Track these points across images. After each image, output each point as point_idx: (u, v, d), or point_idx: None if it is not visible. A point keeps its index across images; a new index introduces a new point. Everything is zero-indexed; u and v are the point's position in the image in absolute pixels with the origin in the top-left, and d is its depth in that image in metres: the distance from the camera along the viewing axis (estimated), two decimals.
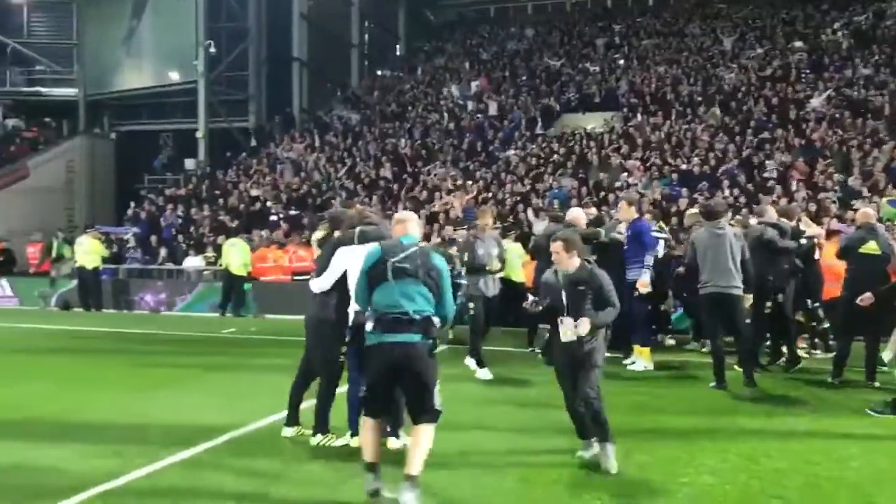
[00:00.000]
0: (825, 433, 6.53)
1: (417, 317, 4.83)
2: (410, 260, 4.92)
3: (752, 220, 9.77)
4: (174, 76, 30.98)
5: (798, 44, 24.92)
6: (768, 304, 9.09)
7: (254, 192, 22.62)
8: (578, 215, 9.82)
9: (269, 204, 21.53)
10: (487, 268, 9.25)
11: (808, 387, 8.39)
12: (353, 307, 5.60)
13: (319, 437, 6.18)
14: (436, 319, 4.91)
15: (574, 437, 5.83)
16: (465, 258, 9.36)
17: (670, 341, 11.50)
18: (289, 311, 14.52)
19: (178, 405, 7.75)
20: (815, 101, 20.90)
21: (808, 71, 23.00)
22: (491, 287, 9.35)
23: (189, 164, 28.93)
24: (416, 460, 4.76)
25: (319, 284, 6.07)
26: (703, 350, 10.61)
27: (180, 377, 9.36)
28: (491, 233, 9.78)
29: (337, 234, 6.37)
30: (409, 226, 5.20)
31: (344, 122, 27.21)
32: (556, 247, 5.71)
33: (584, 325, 5.52)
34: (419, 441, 4.82)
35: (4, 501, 4.97)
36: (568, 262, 5.67)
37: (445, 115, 25.48)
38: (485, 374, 9.03)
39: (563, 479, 5.32)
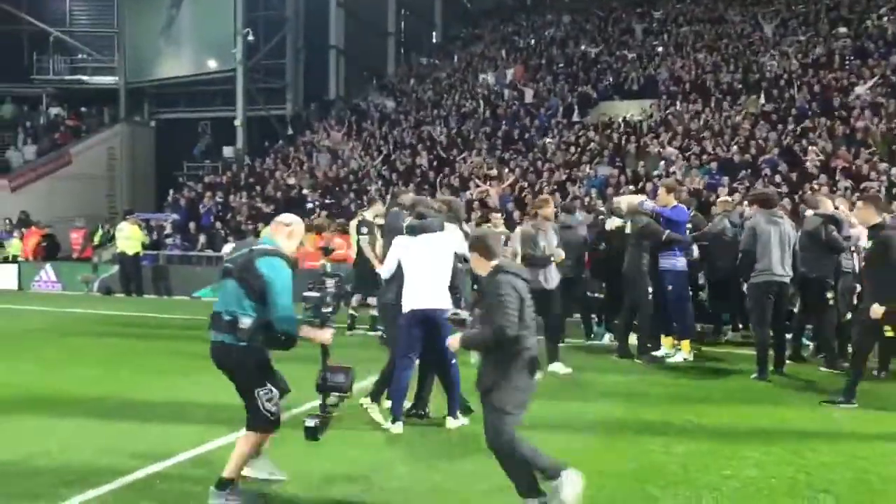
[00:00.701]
0: (872, 427, 6.42)
1: (227, 317, 4.71)
2: (234, 260, 4.82)
3: (808, 212, 9.52)
4: (213, 64, 31.26)
5: (842, 30, 24.37)
6: (829, 295, 8.87)
7: (290, 180, 22.80)
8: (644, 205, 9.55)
9: (305, 192, 21.69)
10: (553, 259, 8.86)
11: None
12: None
13: (368, 401, 6.57)
14: (245, 321, 4.66)
15: (615, 431, 5.79)
16: (526, 250, 9.08)
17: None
18: None
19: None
20: (861, 89, 20.46)
21: (852, 58, 22.50)
22: (552, 279, 8.85)
23: (227, 151, 29.24)
24: (230, 464, 4.75)
25: (383, 271, 6.56)
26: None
27: None
28: (553, 223, 9.35)
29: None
30: (274, 227, 4.98)
31: (380, 110, 27.27)
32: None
33: (453, 342, 4.72)
34: (236, 446, 4.80)
35: (56, 481, 5.09)
36: (476, 263, 4.65)
37: (481, 102, 25.40)
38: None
39: (604, 471, 5.27)
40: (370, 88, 30.97)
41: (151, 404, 7.23)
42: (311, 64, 32.41)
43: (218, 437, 6.04)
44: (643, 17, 29.82)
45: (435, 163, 21.85)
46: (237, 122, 29.46)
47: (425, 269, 6.27)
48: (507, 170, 20.24)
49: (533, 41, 30.30)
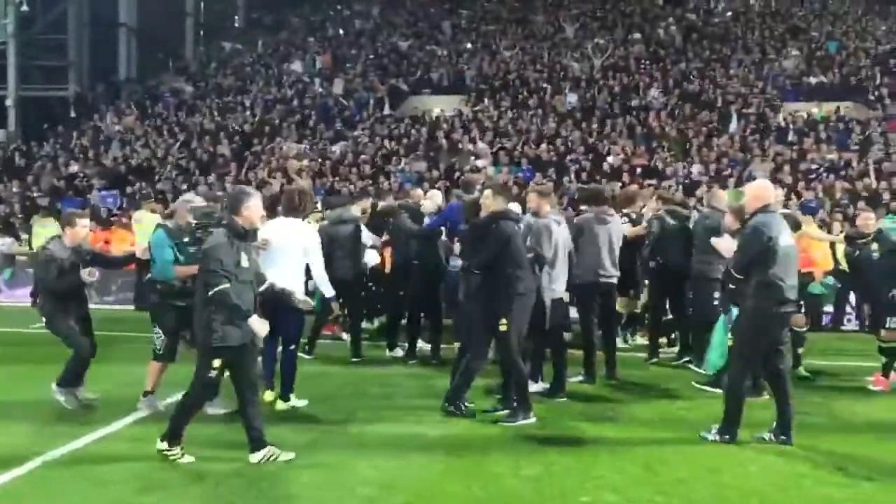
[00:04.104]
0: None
1: None
2: None
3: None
4: None
5: (636, 35, 25.73)
6: None
7: (73, 168, 20.56)
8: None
9: (92, 181, 19.59)
10: None
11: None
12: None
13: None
14: None
15: (457, 450, 5.35)
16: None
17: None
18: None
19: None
20: (654, 92, 21.60)
21: (646, 62, 23.75)
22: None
23: None
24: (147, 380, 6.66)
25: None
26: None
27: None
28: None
29: None
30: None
31: (177, 95, 25.34)
32: None
33: None
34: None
35: None
36: None
37: (288, 91, 24.30)
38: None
39: (448, 496, 4.73)
40: (166, 71, 28.80)
41: None
42: (99, 42, 29.60)
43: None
44: (451, 13, 29.91)
45: (244, 153, 20.48)
46: (8, 102, 26.38)
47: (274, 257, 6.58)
48: (321, 161, 19.39)
49: (342, 31, 29.52)
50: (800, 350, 8.13)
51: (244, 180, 17.55)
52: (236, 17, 35.81)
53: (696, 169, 17.15)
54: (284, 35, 30.00)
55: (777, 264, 5.78)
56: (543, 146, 18.93)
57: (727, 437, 5.85)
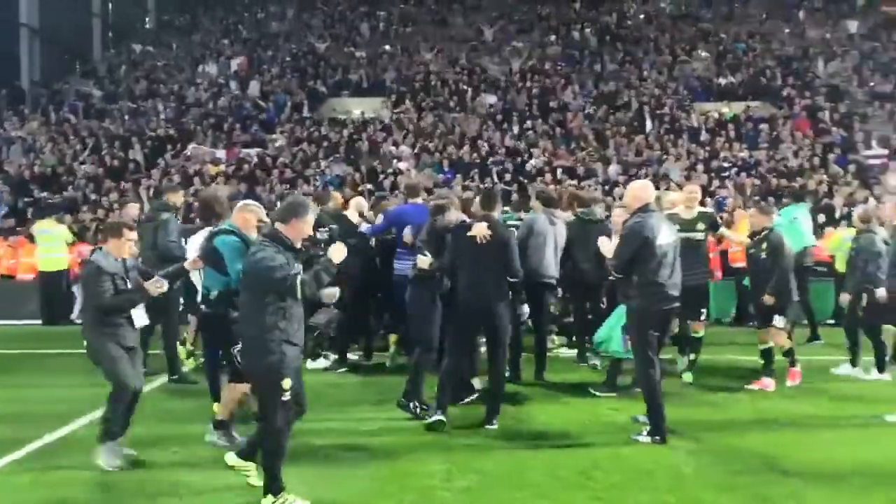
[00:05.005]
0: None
1: None
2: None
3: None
4: None
5: (552, 38, 26.06)
6: None
7: None
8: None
9: None
10: None
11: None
12: None
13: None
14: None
15: (391, 460, 5.12)
16: None
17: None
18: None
19: None
20: (571, 93, 21.89)
21: (563, 64, 24.07)
22: None
23: None
24: (222, 409, 6.00)
25: None
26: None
27: None
28: None
29: None
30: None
31: (84, 99, 24.33)
32: None
33: None
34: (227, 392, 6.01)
35: None
36: None
37: (203, 94, 23.63)
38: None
39: None
40: (72, 74, 27.62)
41: None
42: None
43: None
44: (369, 16, 29.67)
45: (157, 159, 19.77)
46: None
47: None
48: (233, 166, 18.88)
49: (256, 34, 28.93)
50: (692, 356, 8.12)
51: (158, 188, 16.93)
52: (147, 19, 34.70)
53: (612, 169, 17.41)
54: (198, 37, 29.23)
55: (656, 263, 5.91)
56: (465, 148, 18.93)
57: (657, 437, 5.89)
